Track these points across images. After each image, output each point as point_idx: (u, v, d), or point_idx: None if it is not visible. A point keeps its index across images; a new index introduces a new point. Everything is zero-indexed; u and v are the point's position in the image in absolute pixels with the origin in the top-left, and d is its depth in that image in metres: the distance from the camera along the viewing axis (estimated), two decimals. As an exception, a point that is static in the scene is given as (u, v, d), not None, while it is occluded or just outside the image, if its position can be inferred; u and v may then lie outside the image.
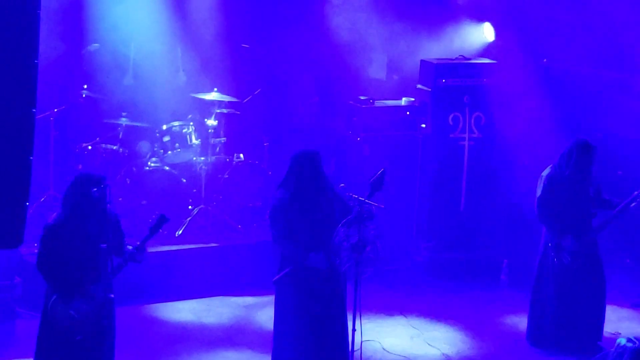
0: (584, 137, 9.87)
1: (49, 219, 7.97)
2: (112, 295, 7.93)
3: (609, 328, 10.55)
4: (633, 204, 9.85)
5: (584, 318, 10.00)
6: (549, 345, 10.06)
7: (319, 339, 8.85)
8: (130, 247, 8.08)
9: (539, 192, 9.89)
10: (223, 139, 11.90)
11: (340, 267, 8.75)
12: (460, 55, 12.24)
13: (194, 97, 11.81)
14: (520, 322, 10.69)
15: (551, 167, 9.92)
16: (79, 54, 11.81)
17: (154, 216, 8.12)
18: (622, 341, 7.58)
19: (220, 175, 11.78)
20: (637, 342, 7.56)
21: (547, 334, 10.07)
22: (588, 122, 12.22)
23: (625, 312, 11.14)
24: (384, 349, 10.05)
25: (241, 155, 11.86)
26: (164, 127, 11.70)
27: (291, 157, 8.78)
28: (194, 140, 11.71)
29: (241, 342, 10.04)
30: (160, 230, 8.16)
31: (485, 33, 12.52)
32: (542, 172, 9.97)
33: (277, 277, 8.88)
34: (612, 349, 7.60)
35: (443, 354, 9.99)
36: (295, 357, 8.91)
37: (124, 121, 11.56)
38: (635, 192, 9.86)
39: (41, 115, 11.40)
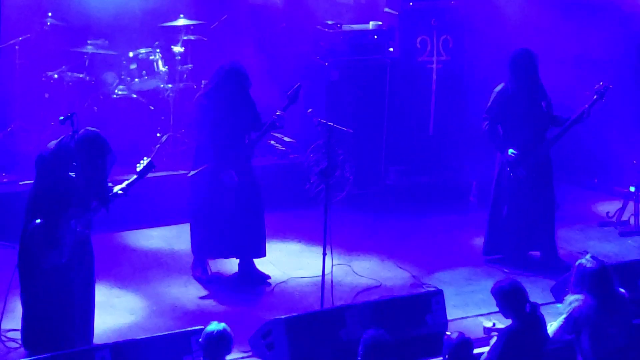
0: (524, 47, 9.91)
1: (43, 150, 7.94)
2: (89, 232, 7.95)
3: (577, 247, 10.68)
4: (582, 119, 9.92)
5: (539, 231, 10.15)
6: (506, 261, 10.21)
7: (232, 230, 9.38)
8: (110, 184, 8.10)
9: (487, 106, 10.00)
10: (190, 66, 11.81)
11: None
12: (427, -23, 12.17)
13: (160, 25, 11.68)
14: (489, 242, 10.76)
15: (503, 83, 9.98)
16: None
17: (142, 161, 8.19)
18: (582, 261, 7.64)
19: (188, 102, 11.71)
20: (595, 262, 7.60)
21: (505, 249, 10.23)
22: (557, 42, 12.21)
23: (593, 232, 11.26)
24: (354, 272, 10.11)
25: (209, 82, 11.76)
26: (131, 54, 11.59)
27: (217, 69, 9.43)
28: (161, 68, 11.62)
29: (212, 267, 10.05)
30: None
31: (452, -47, 12.41)
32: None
33: (193, 172, 9.38)
34: (574, 272, 7.65)
35: (413, 276, 10.07)
36: (210, 247, 9.56)
37: (89, 49, 11.43)
38: (585, 106, 9.90)
39: (5, 45, 11.29)
